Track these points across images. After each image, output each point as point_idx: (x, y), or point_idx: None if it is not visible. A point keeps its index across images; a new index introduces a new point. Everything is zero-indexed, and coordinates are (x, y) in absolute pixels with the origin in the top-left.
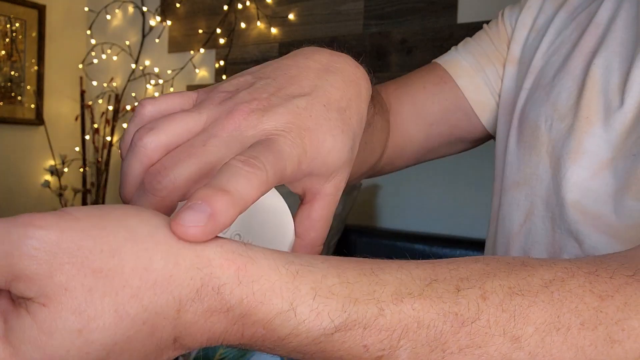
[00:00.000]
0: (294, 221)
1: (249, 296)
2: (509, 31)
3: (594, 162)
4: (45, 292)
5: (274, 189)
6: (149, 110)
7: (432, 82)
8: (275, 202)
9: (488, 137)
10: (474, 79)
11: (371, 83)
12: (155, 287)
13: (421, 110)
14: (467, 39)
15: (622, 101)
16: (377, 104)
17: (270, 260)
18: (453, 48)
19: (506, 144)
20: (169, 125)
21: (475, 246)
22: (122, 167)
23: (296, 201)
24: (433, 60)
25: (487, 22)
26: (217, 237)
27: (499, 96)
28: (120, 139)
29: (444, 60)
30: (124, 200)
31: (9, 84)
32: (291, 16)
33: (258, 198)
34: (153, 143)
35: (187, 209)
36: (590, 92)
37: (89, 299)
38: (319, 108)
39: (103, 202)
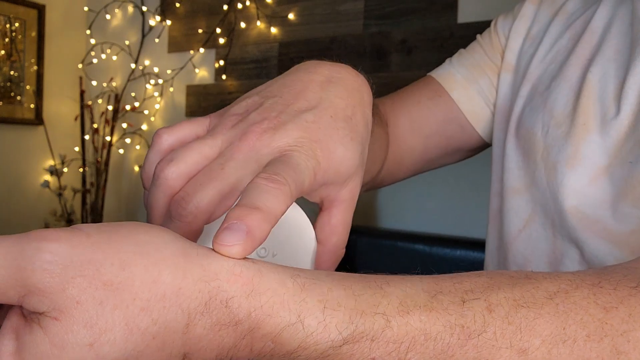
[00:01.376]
0: (314, 229)
1: (257, 309)
2: (502, 40)
3: (591, 168)
4: (58, 305)
5: None
6: (166, 139)
7: (427, 96)
8: (294, 212)
9: (485, 145)
10: (468, 90)
11: (371, 89)
12: (165, 300)
13: (417, 123)
14: (461, 50)
15: (618, 109)
16: (375, 116)
17: (277, 274)
18: (447, 60)
19: (504, 150)
20: (187, 155)
21: (475, 246)
22: (147, 199)
23: (310, 209)
24: (428, 74)
25: (487, 22)
26: None
27: (494, 105)
28: (141, 169)
29: (438, 73)
30: None
31: (8, 83)
32: (291, 16)
33: (285, 211)
34: (174, 173)
35: (225, 230)
36: (587, 100)
37: (100, 312)
38: (326, 119)
39: (102, 202)
